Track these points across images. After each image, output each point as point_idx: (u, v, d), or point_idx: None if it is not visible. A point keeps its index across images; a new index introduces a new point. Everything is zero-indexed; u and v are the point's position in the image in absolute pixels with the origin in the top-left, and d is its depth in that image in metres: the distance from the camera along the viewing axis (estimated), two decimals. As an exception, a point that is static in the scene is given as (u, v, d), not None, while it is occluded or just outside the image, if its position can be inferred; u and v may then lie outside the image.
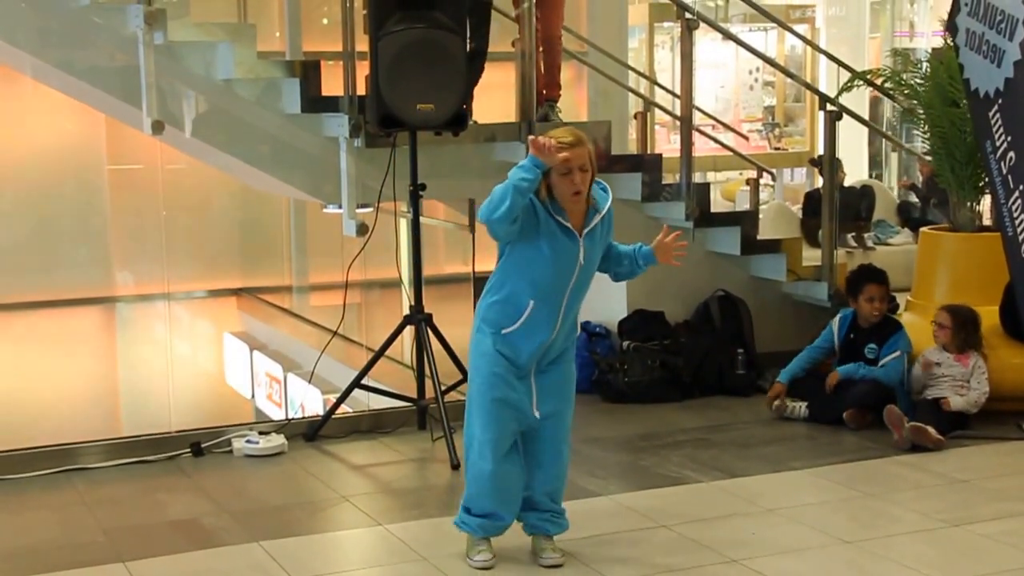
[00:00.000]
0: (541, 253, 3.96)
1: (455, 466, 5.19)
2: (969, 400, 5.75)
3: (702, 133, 8.70)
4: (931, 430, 5.48)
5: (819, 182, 7.98)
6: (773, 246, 7.00)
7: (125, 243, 10.41)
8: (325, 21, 9.10)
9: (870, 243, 8.02)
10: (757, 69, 11.49)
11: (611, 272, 4.26)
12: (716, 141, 9.13)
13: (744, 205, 7.83)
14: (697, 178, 6.92)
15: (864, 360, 5.99)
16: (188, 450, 5.49)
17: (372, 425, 5.93)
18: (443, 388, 5.55)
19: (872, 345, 6.00)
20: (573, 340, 4.19)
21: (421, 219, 5.76)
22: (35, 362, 9.98)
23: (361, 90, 5.84)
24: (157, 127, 5.78)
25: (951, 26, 5.86)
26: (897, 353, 5.93)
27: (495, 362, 4.03)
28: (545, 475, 4.17)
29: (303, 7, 7.38)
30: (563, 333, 4.09)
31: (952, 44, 5.92)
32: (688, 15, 6.61)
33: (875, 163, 12.68)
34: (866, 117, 10.01)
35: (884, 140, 12.13)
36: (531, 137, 3.97)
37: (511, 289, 4.02)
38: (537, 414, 4.07)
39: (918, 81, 6.61)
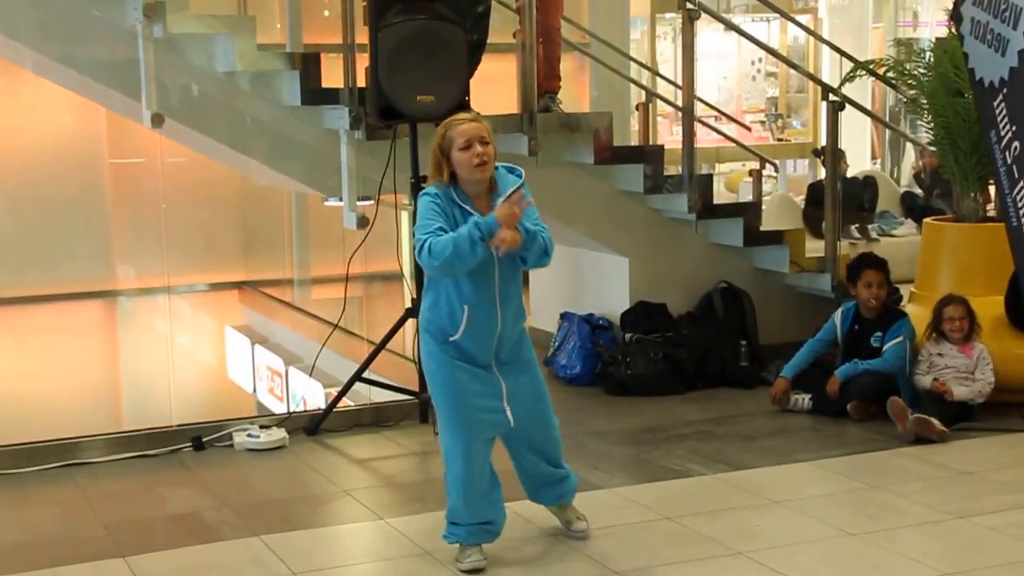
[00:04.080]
0: None
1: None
2: (973, 390, 5.72)
3: (704, 124, 8.67)
4: (935, 422, 5.45)
5: (822, 173, 7.96)
6: (776, 237, 6.98)
7: (126, 237, 10.41)
8: (326, 13, 9.08)
9: (874, 234, 7.99)
10: (760, 60, 11.46)
11: (518, 257, 3.95)
12: (719, 132, 9.10)
13: (747, 196, 7.78)
14: (700, 169, 6.88)
15: (868, 351, 5.96)
16: (189, 444, 5.47)
17: (374, 419, 5.91)
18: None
19: (878, 333, 5.97)
20: (523, 321, 4.10)
21: (422, 211, 5.73)
22: (36, 356, 9.98)
23: (361, 82, 5.81)
24: (157, 120, 5.76)
25: (956, 15, 5.82)
26: (899, 339, 5.90)
27: (452, 369, 3.96)
28: (539, 452, 4.19)
29: (303, -1, 7.35)
30: (510, 320, 4.00)
31: (957, 33, 5.88)
32: (690, 5, 6.58)
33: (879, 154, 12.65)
34: (874, 109, 9.98)
35: (887, 130, 12.10)
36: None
37: (443, 297, 3.94)
38: (511, 419, 4.01)
39: (922, 71, 6.58)
